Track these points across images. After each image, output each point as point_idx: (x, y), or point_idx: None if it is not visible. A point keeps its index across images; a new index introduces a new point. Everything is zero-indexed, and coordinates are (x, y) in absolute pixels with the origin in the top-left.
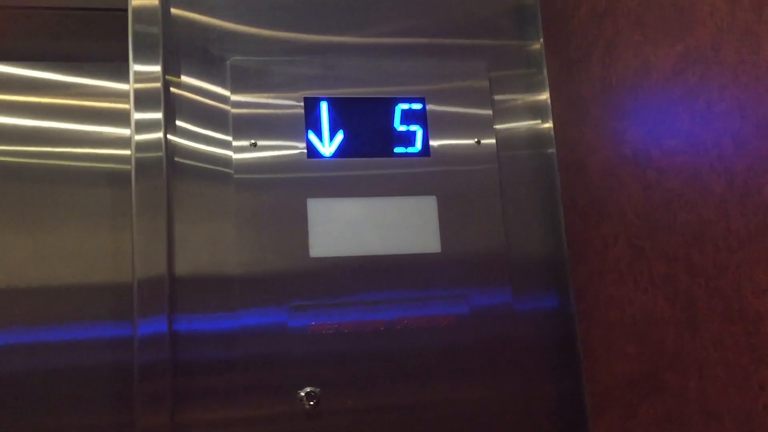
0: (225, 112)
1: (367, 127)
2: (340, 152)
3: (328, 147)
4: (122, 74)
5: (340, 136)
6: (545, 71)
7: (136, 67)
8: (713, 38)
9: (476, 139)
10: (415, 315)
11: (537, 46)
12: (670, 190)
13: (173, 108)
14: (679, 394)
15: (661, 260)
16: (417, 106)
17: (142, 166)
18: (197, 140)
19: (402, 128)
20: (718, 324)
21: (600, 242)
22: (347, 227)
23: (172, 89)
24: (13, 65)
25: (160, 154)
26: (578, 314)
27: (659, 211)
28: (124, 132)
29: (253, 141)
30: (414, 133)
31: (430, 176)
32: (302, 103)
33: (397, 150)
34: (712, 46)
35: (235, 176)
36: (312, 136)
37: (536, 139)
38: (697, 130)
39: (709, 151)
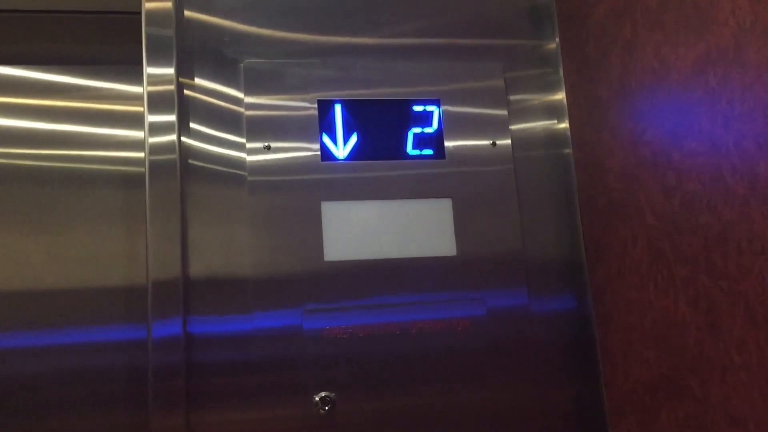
0: (239, 115)
1: (381, 129)
2: (354, 155)
3: (342, 149)
4: (136, 77)
5: (354, 139)
6: (561, 71)
7: (149, 70)
8: (735, 38)
9: (492, 141)
10: (431, 318)
11: (553, 45)
12: (691, 192)
13: (187, 110)
14: (701, 399)
15: (681, 263)
16: (432, 108)
17: (155, 168)
18: (211, 142)
19: (416, 130)
20: (741, 328)
21: (619, 244)
22: (362, 230)
23: (185, 92)
24: (27, 68)
25: (173, 156)
26: (597, 318)
27: (680, 213)
28: (138, 135)
29: (266, 143)
30: (429, 135)
31: (445, 178)
32: (316, 105)
33: (412, 152)
34: (735, 46)
35: (249, 178)
36: (326, 139)
37: (552, 139)
38: (718, 131)
39: (731, 153)
